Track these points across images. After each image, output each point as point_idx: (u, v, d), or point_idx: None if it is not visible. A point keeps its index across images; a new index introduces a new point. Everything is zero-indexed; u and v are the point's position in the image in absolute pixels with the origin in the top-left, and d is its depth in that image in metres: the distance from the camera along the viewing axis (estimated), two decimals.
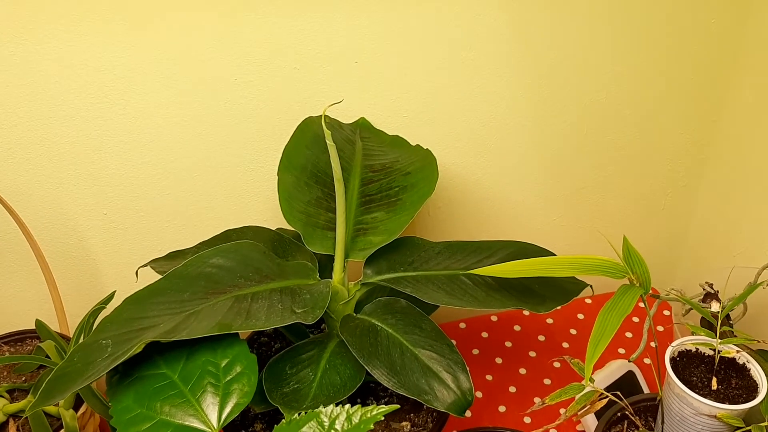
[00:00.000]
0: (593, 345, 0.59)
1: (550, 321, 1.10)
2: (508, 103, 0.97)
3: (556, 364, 1.02)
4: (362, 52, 0.88)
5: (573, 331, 1.08)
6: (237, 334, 0.65)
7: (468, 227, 1.06)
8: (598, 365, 0.95)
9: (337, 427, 0.53)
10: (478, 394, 0.97)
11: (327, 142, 0.66)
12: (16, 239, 0.90)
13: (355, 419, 0.53)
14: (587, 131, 1.03)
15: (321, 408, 0.53)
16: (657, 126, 1.06)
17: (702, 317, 0.81)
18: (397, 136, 0.91)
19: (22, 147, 0.84)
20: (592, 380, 0.66)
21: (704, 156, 1.11)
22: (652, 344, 1.03)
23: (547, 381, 1.00)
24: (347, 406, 0.53)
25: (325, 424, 0.53)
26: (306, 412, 0.54)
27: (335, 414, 0.53)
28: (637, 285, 0.65)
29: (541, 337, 1.07)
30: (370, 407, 0.53)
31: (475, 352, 1.05)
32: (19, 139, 0.83)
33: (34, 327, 0.85)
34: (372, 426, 0.52)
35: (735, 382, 0.71)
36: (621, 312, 0.61)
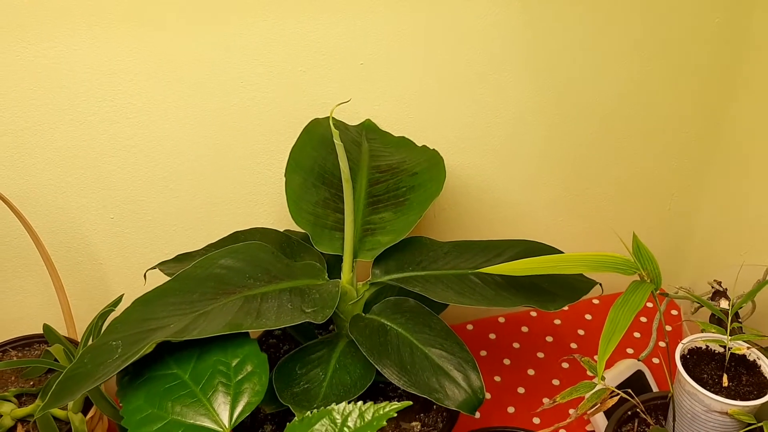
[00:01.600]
0: (605, 341, 0.59)
1: (557, 322, 1.10)
2: (514, 104, 0.97)
3: (565, 365, 1.02)
4: (368, 54, 0.88)
5: (581, 332, 1.08)
6: (247, 333, 0.65)
7: (475, 229, 1.06)
8: (607, 365, 0.94)
9: (350, 424, 0.52)
10: (488, 395, 0.97)
11: (335, 141, 0.66)
12: (23, 243, 0.90)
13: (368, 416, 0.52)
14: (594, 131, 1.03)
15: (333, 405, 0.53)
16: (663, 125, 1.06)
17: (711, 315, 0.81)
18: (403, 137, 0.91)
19: (29, 151, 0.84)
20: (603, 378, 0.66)
21: (710, 155, 1.11)
22: (662, 343, 1.03)
23: (555, 381, 0.99)
24: (359, 403, 0.53)
25: (338, 421, 0.53)
26: (318, 410, 0.54)
27: (347, 411, 0.53)
28: (648, 281, 0.64)
29: (549, 338, 1.07)
30: (382, 404, 0.53)
31: (483, 353, 1.04)
32: (26, 143, 0.83)
33: (41, 331, 0.85)
34: (384, 423, 0.52)
35: (746, 379, 0.70)
36: (632, 308, 0.60)
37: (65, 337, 0.85)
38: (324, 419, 0.53)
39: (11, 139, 0.83)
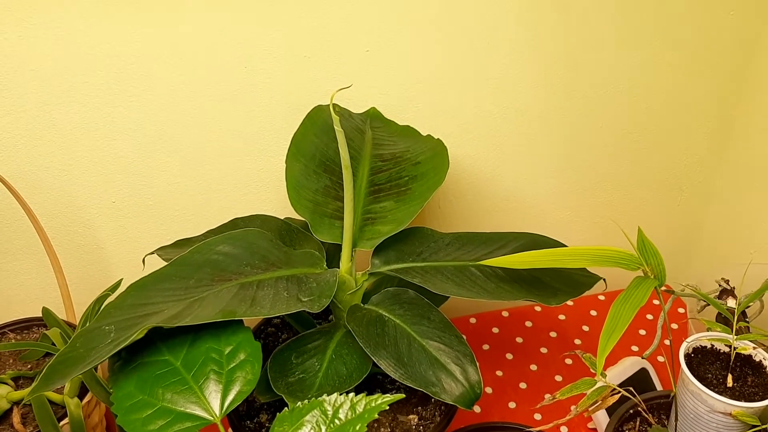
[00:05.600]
0: (605, 337, 0.58)
1: (562, 317, 1.08)
2: (522, 94, 0.95)
3: (568, 361, 1.00)
4: (373, 41, 0.87)
5: (585, 328, 1.06)
6: (242, 321, 0.64)
7: (479, 221, 1.05)
8: (611, 362, 0.93)
9: (341, 416, 0.51)
10: (488, 390, 0.96)
11: (335, 127, 0.65)
12: (23, 226, 0.89)
13: (359, 408, 0.51)
14: (603, 125, 1.01)
15: (324, 396, 0.52)
16: (673, 120, 1.04)
17: (717, 314, 0.79)
18: (408, 126, 0.90)
19: (29, 133, 0.84)
20: (603, 375, 0.65)
21: (721, 150, 1.09)
22: (666, 341, 1.02)
23: (558, 377, 0.98)
24: (351, 394, 0.52)
25: (329, 413, 0.52)
26: (309, 401, 0.53)
27: (339, 403, 0.52)
28: (652, 277, 0.63)
29: (553, 334, 1.05)
30: (374, 396, 0.52)
31: (486, 347, 1.03)
32: (27, 125, 0.83)
33: (41, 315, 0.85)
34: (376, 415, 0.51)
35: (751, 380, 0.69)
36: (634, 304, 0.59)
37: (64, 320, 0.85)
38: (315, 410, 0.52)
39: (11, 121, 0.82)
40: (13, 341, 0.85)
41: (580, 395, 0.67)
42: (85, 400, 0.77)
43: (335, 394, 0.52)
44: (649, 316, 1.09)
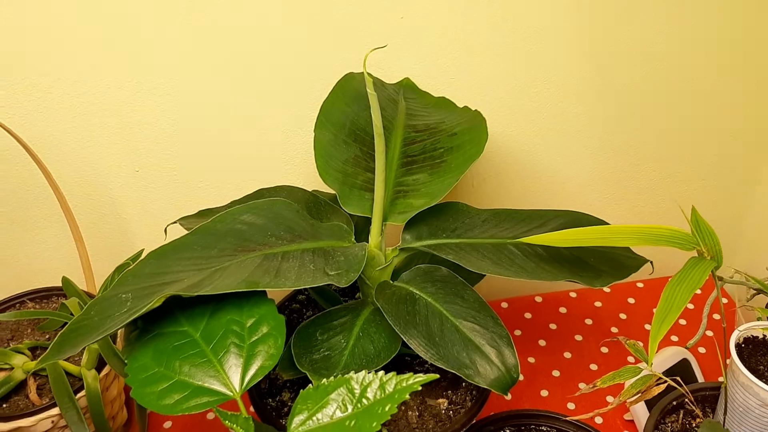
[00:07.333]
0: (658, 321, 0.53)
1: (598, 304, 1.04)
2: (566, 69, 0.90)
3: (604, 349, 0.96)
4: (409, 7, 0.83)
5: (623, 316, 1.02)
6: (265, 293, 0.61)
7: (516, 201, 1.00)
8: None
9: (369, 395, 0.48)
10: (520, 377, 0.92)
11: (368, 91, 0.60)
12: (44, 194, 0.87)
13: (389, 388, 0.48)
14: (648, 104, 0.96)
15: (352, 374, 0.48)
16: (719, 99, 0.98)
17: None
18: (444, 97, 0.86)
19: (51, 98, 0.81)
20: (649, 363, 0.60)
21: None
22: (709, 333, 0.97)
23: (593, 366, 0.93)
24: (380, 373, 0.48)
25: (356, 391, 0.48)
26: (335, 378, 0.49)
27: (367, 381, 0.48)
28: (708, 258, 0.58)
29: (589, 321, 1.01)
30: (406, 375, 0.48)
31: (518, 333, 0.99)
32: (49, 90, 0.80)
33: (60, 285, 0.82)
34: (407, 397, 0.47)
35: None
36: (690, 286, 0.54)
37: (84, 291, 0.83)
38: (341, 388, 0.49)
39: (32, 85, 0.79)
40: (32, 310, 0.83)
41: (619, 386, 0.63)
42: (103, 372, 0.75)
43: (363, 372, 0.49)
44: (691, 306, 1.04)
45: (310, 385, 0.50)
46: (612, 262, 0.71)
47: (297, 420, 0.49)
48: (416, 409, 0.70)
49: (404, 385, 0.47)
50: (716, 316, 1.00)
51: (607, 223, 0.73)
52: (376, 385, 0.48)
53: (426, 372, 0.75)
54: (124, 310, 0.57)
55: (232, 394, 0.54)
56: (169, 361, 0.55)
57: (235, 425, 0.48)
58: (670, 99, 0.96)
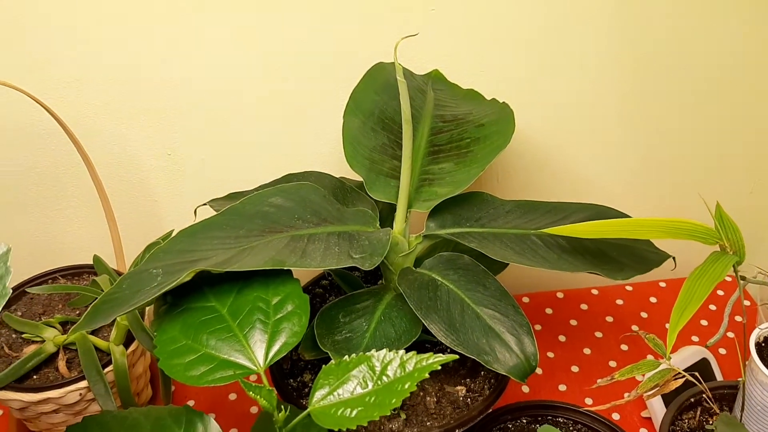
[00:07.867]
0: (677, 313, 0.54)
1: (620, 302, 1.04)
2: (596, 64, 0.90)
3: (624, 347, 0.96)
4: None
5: (644, 314, 1.02)
6: (291, 273, 0.62)
7: (541, 195, 1.00)
8: (671, 350, 0.88)
9: (389, 373, 0.49)
10: (539, 371, 0.92)
11: (397, 78, 0.62)
12: (79, 173, 0.89)
13: (409, 366, 0.49)
14: (684, 104, 0.95)
15: (373, 351, 0.50)
16: (751, 96, 0.97)
17: None
18: (472, 89, 0.86)
19: (90, 79, 0.83)
20: (668, 357, 0.61)
21: None
22: (730, 334, 0.96)
23: (612, 363, 0.94)
24: (401, 351, 0.50)
25: (377, 369, 0.49)
26: (356, 356, 0.50)
27: (388, 359, 0.49)
28: (731, 253, 0.58)
29: (609, 318, 1.01)
30: (426, 355, 0.49)
31: (538, 327, 0.99)
32: (86, 67, 0.82)
33: (91, 263, 0.84)
34: (426, 375, 0.48)
35: None
36: (711, 280, 0.55)
37: (114, 269, 0.85)
38: (362, 365, 0.50)
39: (74, 63, 0.81)
40: (64, 285, 0.85)
41: (634, 382, 0.63)
42: (131, 348, 0.77)
43: (384, 350, 0.50)
44: (712, 307, 1.03)
45: (332, 361, 0.52)
46: (634, 256, 0.71)
47: (318, 394, 0.50)
48: (434, 396, 0.71)
49: (424, 364, 0.49)
50: (738, 318, 1.00)
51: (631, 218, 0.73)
52: (397, 364, 0.49)
53: None
54: (154, 285, 0.59)
55: (256, 368, 0.55)
56: (196, 335, 0.57)
57: (259, 396, 0.50)
58: (701, 99, 0.95)
